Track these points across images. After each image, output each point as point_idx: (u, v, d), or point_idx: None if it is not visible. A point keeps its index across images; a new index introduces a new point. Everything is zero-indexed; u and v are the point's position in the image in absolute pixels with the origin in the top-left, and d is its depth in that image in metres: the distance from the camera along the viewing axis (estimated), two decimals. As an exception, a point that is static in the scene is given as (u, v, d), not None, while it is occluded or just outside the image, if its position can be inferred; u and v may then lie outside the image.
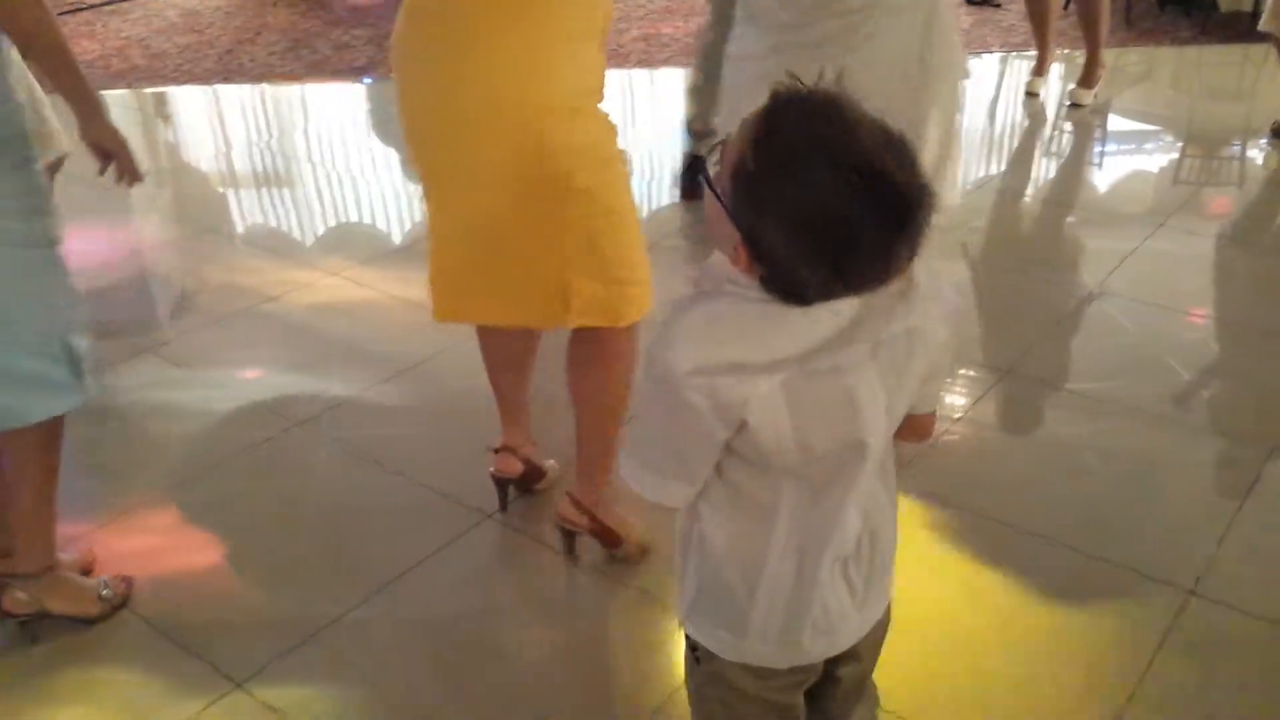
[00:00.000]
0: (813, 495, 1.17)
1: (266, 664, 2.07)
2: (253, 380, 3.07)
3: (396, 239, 4.12)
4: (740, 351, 1.07)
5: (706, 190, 1.07)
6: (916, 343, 1.14)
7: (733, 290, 1.09)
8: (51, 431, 2.03)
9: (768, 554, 1.20)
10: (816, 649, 1.27)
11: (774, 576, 1.21)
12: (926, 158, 3.47)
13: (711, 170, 1.08)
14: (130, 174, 2.05)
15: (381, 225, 4.29)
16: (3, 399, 1.92)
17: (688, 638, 1.32)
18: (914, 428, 1.26)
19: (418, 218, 4.08)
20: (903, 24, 2.11)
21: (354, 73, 5.87)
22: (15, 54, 1.90)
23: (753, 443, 1.10)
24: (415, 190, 4.20)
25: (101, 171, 2.05)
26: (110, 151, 2.01)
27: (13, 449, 2.01)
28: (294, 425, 2.83)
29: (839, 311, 1.08)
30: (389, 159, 4.77)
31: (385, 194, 4.47)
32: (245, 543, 2.43)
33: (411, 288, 3.24)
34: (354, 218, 4.34)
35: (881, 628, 1.35)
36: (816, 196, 0.97)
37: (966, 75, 2.34)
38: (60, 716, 1.99)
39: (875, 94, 1.02)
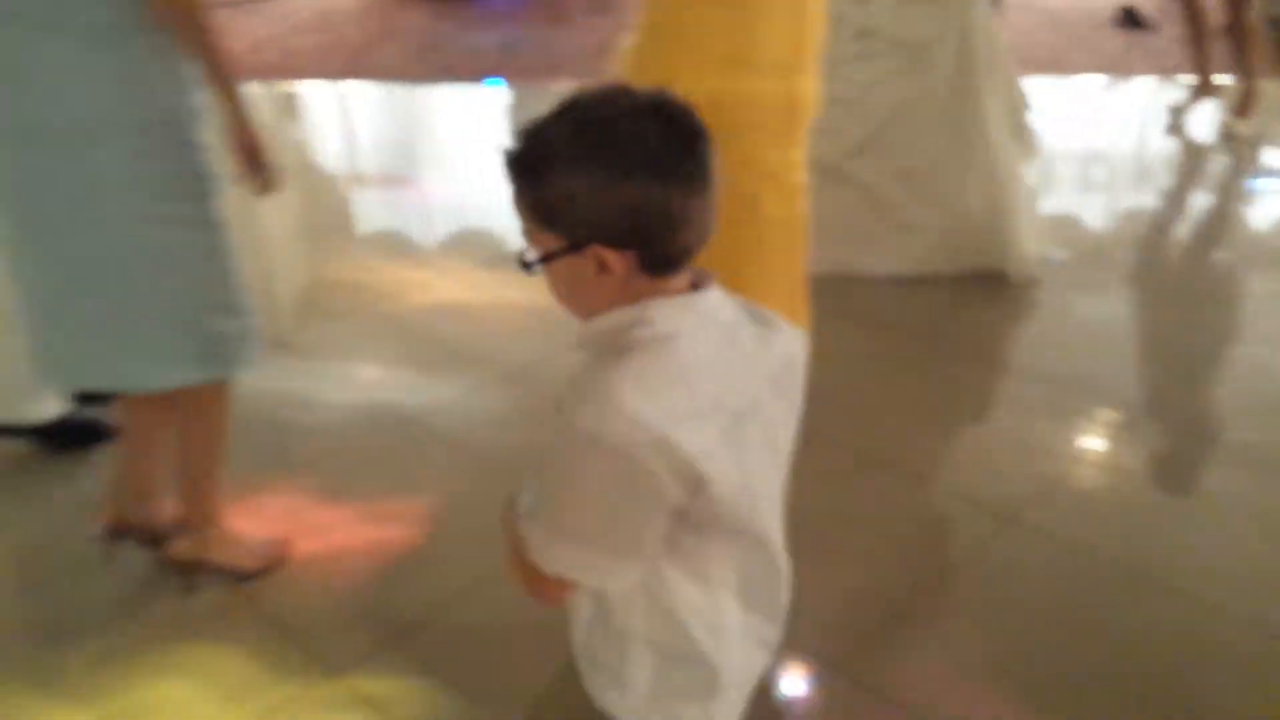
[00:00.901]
0: (757, 544, 1.15)
1: (367, 655, 2.04)
2: (370, 376, 3.07)
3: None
4: (680, 403, 1.02)
5: (545, 269, 1.06)
6: (797, 367, 1.17)
7: (639, 335, 1.04)
8: (212, 397, 2.10)
9: (726, 613, 1.15)
10: (753, 680, 1.23)
11: (735, 631, 1.16)
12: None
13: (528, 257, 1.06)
14: (267, 182, 2.02)
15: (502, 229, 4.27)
16: (131, 363, 1.97)
17: None
18: None
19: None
20: None
21: (482, 76, 5.88)
22: None
23: (710, 499, 1.04)
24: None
25: (241, 175, 2.02)
26: (252, 157, 1.99)
27: (183, 408, 2.10)
28: (404, 422, 2.80)
29: (739, 343, 1.09)
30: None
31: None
32: (356, 534, 2.40)
33: (523, 291, 3.20)
34: (475, 221, 4.32)
35: None
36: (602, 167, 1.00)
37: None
38: (161, 688, 2.01)
39: None
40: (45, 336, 1.99)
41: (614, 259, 1.01)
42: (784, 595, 1.21)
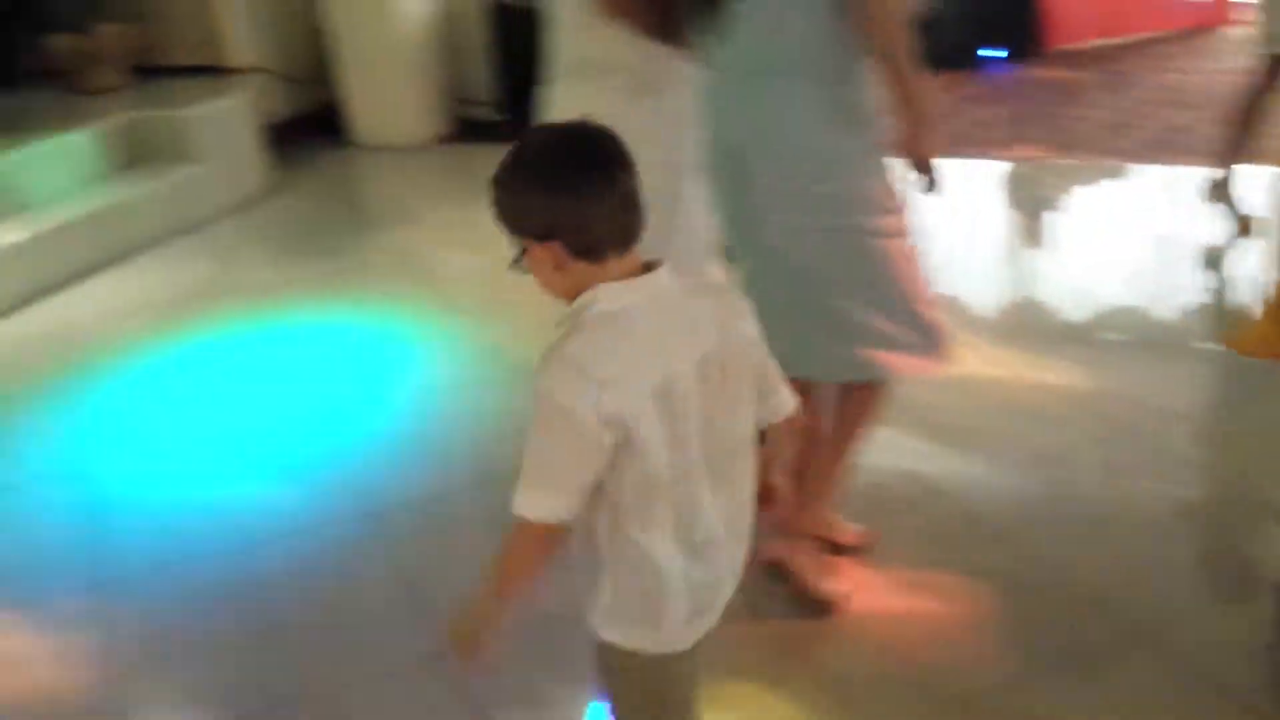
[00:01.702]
0: (687, 495, 1.40)
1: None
2: (904, 442, 3.00)
3: (1072, 318, 3.97)
4: (616, 367, 1.31)
5: (528, 261, 1.36)
6: (746, 337, 1.45)
7: (590, 313, 1.34)
8: (868, 400, 2.32)
9: (667, 552, 1.41)
10: (706, 624, 1.50)
11: (676, 570, 1.42)
12: None
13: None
14: (933, 183, 2.19)
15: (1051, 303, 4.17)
16: (861, 352, 2.20)
17: (601, 645, 1.48)
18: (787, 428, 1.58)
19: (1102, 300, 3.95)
20: None
21: (990, 149, 5.79)
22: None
23: (637, 451, 1.33)
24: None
25: (910, 175, 2.19)
26: (926, 166, 2.16)
27: (847, 403, 2.32)
28: (935, 494, 2.79)
29: (686, 316, 1.39)
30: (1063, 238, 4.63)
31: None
32: (900, 600, 2.41)
33: (1063, 375, 3.10)
34: (1029, 294, 4.27)
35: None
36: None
37: None
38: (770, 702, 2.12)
39: None
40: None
41: (546, 250, 1.32)
42: (726, 549, 1.47)
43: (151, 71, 6.05)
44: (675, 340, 1.37)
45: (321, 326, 4.05)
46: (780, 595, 2.36)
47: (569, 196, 1.30)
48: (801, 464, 2.21)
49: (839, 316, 2.19)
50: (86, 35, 5.68)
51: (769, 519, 2.24)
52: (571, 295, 1.36)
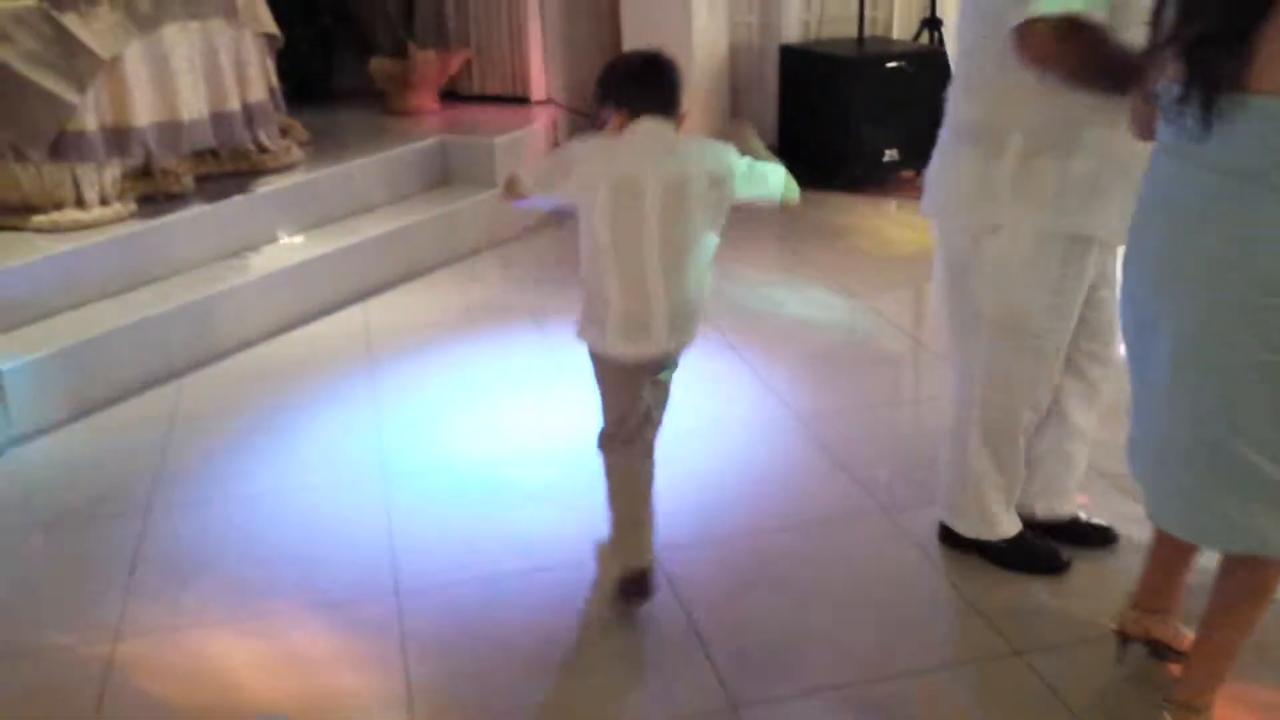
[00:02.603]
0: (634, 263, 2.30)
1: None
2: None
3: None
4: (590, 152, 2.36)
5: (601, 118, 2.38)
6: (698, 176, 2.32)
7: (607, 135, 2.36)
8: (1267, 573, 1.97)
9: (614, 294, 2.33)
10: (637, 350, 2.37)
11: (615, 307, 2.33)
12: None
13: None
14: None
15: None
16: (1213, 516, 1.89)
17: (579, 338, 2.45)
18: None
19: None
20: None
21: None
22: None
23: (591, 218, 2.32)
24: None
25: None
26: None
27: (1236, 576, 1.99)
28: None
29: (653, 153, 2.31)
30: None
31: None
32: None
33: None
34: None
35: (674, 356, 2.46)
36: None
37: None
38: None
39: None
40: (1156, 472, 2.00)
41: (617, 117, 2.33)
42: (664, 314, 2.33)
43: (458, 97, 6.38)
44: (647, 159, 2.29)
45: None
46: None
47: (645, 88, 2.35)
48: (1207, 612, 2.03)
49: (1251, 471, 1.82)
50: (403, 60, 6.05)
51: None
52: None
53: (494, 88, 6.39)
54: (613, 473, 2.54)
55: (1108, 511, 2.85)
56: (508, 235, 5.40)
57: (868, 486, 3.11)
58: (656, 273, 2.29)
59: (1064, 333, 2.42)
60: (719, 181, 2.32)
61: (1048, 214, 2.27)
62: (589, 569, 2.77)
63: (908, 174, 6.13)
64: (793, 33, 6.42)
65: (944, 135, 2.45)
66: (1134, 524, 2.72)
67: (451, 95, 6.37)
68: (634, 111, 2.29)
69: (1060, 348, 2.44)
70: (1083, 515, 2.78)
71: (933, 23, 6.36)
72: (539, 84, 6.33)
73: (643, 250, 2.27)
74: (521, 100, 6.30)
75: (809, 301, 4.58)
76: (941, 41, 6.33)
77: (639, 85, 2.32)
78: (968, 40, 2.37)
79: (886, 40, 6.42)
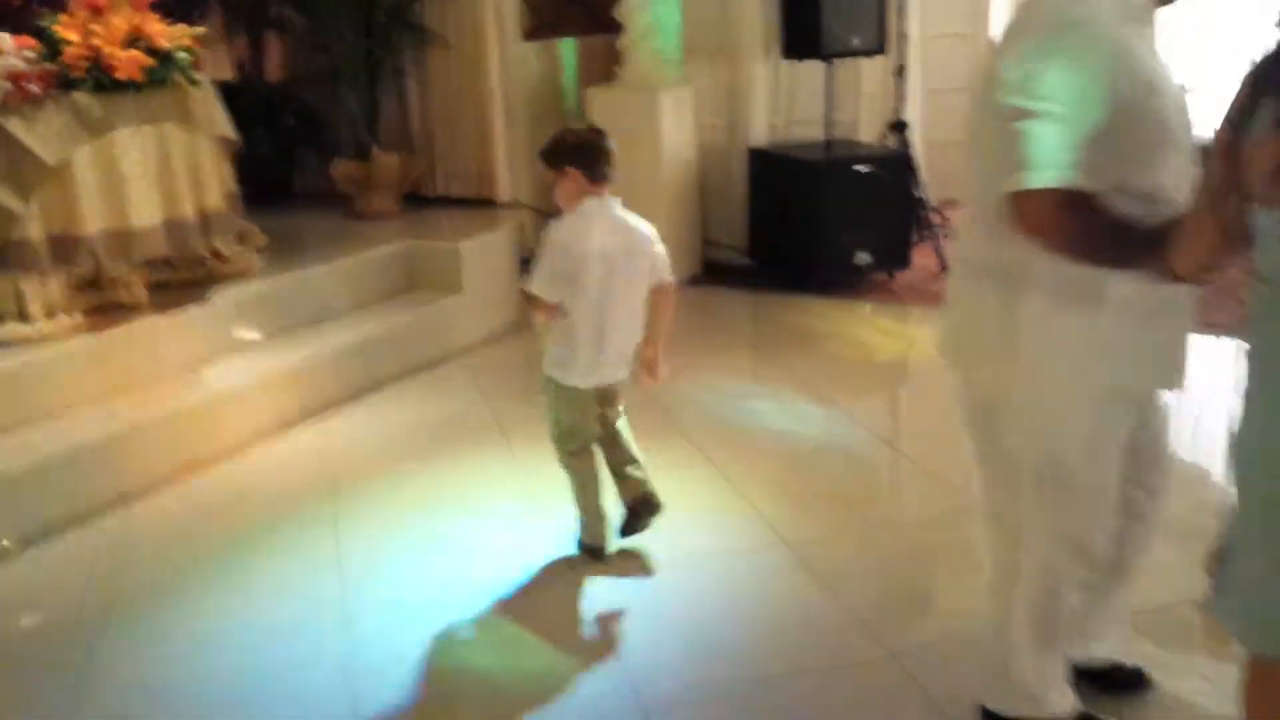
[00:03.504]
0: (601, 312, 3.04)
1: None
2: None
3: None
4: (573, 233, 3.03)
5: (557, 187, 3.08)
6: (640, 246, 3.08)
7: (580, 208, 3.04)
8: None
9: (584, 337, 3.04)
10: (594, 379, 3.12)
11: (582, 346, 3.05)
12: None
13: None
14: None
15: None
16: None
17: (543, 374, 3.17)
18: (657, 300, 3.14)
19: None
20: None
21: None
22: None
23: (581, 281, 3.01)
24: None
25: None
26: None
27: None
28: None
29: (613, 223, 3.05)
30: None
31: None
32: None
33: None
34: None
35: (617, 389, 3.22)
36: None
37: None
38: None
39: None
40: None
41: (575, 177, 3.02)
42: (615, 352, 3.09)
43: (421, 200, 6.26)
44: (612, 233, 3.02)
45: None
46: None
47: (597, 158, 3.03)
48: None
49: None
50: (366, 162, 5.92)
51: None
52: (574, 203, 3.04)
53: (458, 190, 6.27)
54: (576, 477, 3.26)
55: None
56: (473, 342, 5.22)
57: (869, 626, 2.91)
58: (619, 318, 3.05)
59: (1110, 477, 2.19)
60: (651, 252, 3.09)
61: (1076, 367, 2.09)
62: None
63: (880, 277, 6.06)
64: (760, 135, 6.38)
65: (959, 273, 2.30)
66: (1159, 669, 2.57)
67: (415, 198, 6.24)
68: (592, 176, 3.00)
69: (1109, 492, 2.20)
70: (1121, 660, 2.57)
71: (899, 125, 6.36)
72: (504, 186, 6.22)
73: (608, 302, 3.02)
74: (487, 203, 6.19)
75: (789, 413, 4.42)
76: (908, 145, 6.32)
77: (594, 151, 3.02)
78: (986, 174, 2.10)
79: (853, 143, 6.39)
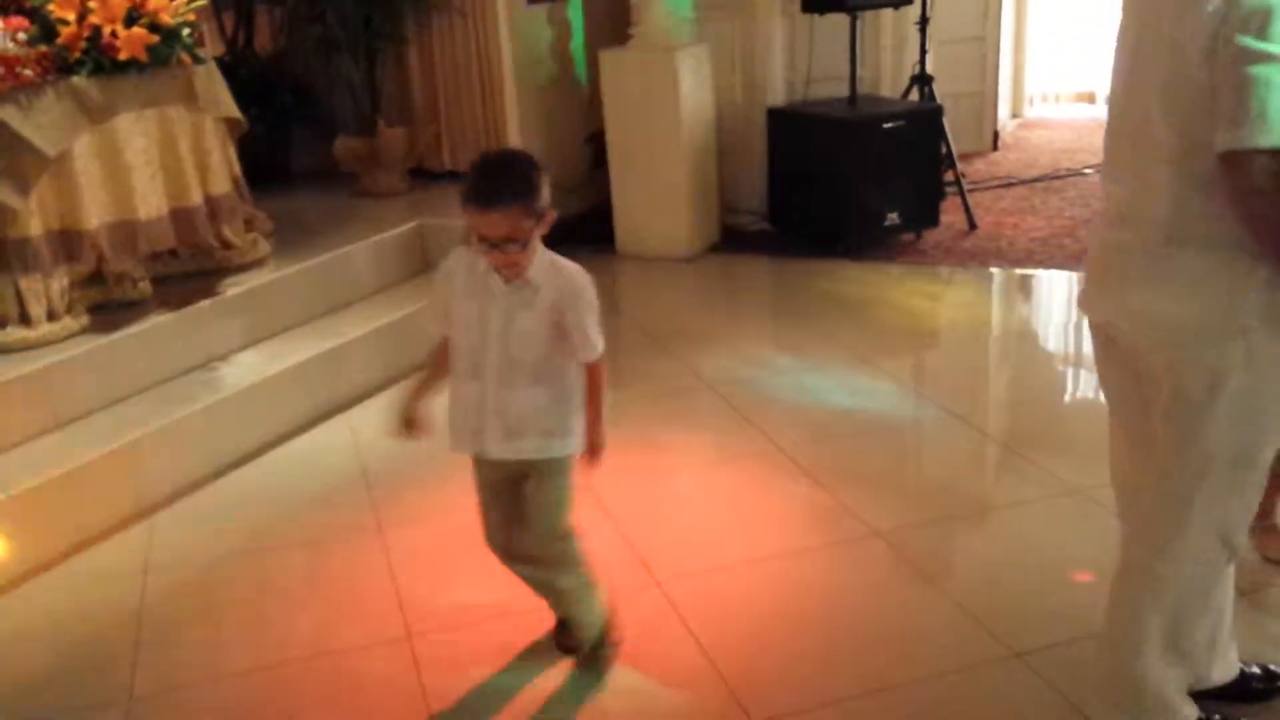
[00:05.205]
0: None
1: None
2: None
3: None
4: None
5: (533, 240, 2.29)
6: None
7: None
8: None
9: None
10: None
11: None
12: None
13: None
14: None
15: None
16: None
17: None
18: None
19: None
20: None
21: None
22: None
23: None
24: None
25: None
26: None
27: None
28: None
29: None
30: None
31: None
32: None
33: None
34: None
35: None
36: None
37: None
38: None
39: None
40: None
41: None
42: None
43: (427, 175, 5.96)
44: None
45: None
46: None
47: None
48: None
49: None
50: (370, 138, 5.61)
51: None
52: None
53: (467, 163, 5.93)
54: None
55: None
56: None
57: (984, 623, 2.69)
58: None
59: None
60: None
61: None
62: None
63: (907, 237, 5.83)
64: (778, 94, 6.11)
65: (1151, 239, 1.96)
66: None
67: (420, 173, 5.94)
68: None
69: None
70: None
71: (922, 78, 6.10)
72: (514, 157, 5.93)
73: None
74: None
75: (845, 387, 4.18)
76: (933, 97, 6.07)
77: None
78: (1191, 124, 1.82)
79: (878, 99, 6.12)
